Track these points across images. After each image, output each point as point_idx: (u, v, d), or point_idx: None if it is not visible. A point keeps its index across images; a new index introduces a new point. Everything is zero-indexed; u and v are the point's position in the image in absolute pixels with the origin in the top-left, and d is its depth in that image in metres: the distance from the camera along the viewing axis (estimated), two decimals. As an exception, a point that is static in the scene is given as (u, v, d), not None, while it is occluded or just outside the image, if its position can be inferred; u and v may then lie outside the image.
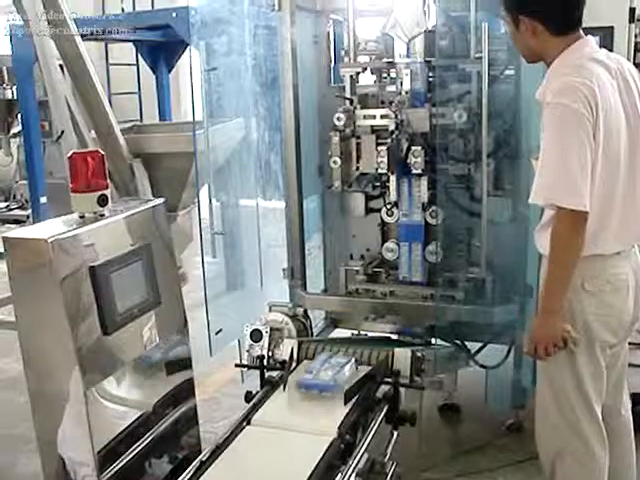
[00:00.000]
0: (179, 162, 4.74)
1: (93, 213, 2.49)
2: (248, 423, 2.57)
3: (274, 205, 3.92)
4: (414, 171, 3.33)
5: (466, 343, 3.46)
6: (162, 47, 8.31)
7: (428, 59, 3.32)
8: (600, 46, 2.50)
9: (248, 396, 2.77)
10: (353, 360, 2.81)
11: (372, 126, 3.46)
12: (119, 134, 4.78)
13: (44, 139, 7.27)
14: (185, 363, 2.93)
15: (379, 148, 3.38)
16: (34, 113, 7.16)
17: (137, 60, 9.11)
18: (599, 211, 2.23)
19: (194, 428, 2.99)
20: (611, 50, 2.72)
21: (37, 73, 6.07)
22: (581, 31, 2.32)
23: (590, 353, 2.37)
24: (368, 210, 3.74)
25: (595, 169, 2.19)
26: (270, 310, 3.47)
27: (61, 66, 4.65)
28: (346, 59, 3.55)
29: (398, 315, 3.63)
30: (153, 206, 2.78)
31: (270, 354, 3.21)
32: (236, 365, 3.20)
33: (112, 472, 2.44)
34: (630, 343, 2.69)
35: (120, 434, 2.52)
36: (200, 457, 2.36)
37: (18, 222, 8.63)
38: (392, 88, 3.54)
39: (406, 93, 3.36)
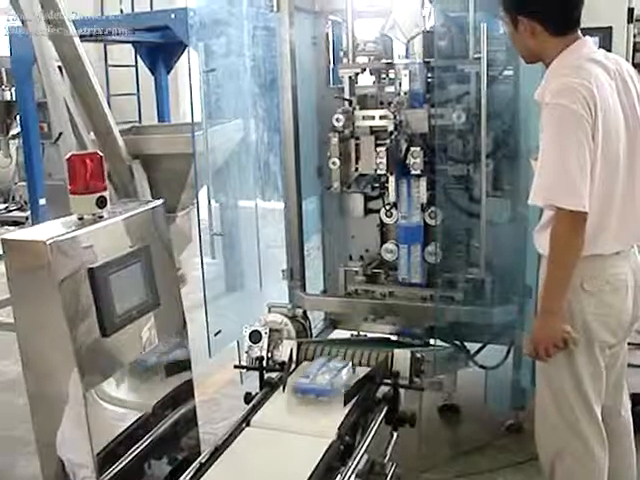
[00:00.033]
0: (178, 163, 4.73)
1: (92, 215, 2.49)
2: (247, 424, 2.57)
3: (273, 206, 3.92)
4: (413, 172, 3.33)
5: (465, 344, 3.45)
6: (161, 48, 8.30)
7: (427, 60, 3.32)
8: (599, 46, 2.50)
9: (247, 397, 2.77)
10: (350, 364, 2.79)
11: (371, 127, 3.46)
12: (118, 135, 4.77)
13: (43, 140, 7.27)
14: (184, 364, 2.93)
15: (378, 149, 3.38)
16: (33, 114, 7.16)
17: (136, 61, 9.10)
18: (598, 211, 2.23)
19: (193, 429, 2.99)
20: (610, 50, 2.71)
21: (36, 74, 6.07)
22: (579, 32, 2.32)
23: (589, 353, 2.37)
24: (367, 211, 3.74)
25: (594, 170, 2.19)
26: (269, 311, 3.47)
27: (60, 67, 4.64)
28: (345, 60, 3.55)
29: (397, 316, 3.63)
30: (152, 207, 2.78)
31: (269, 355, 3.21)
32: (235, 366, 3.20)
33: (111, 474, 2.45)
34: (629, 343, 2.69)
35: (119, 436, 2.52)
36: (199, 459, 2.36)
37: (17, 224, 8.62)
38: (391, 89, 3.54)
39: (405, 94, 3.35)
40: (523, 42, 2.37)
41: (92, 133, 4.76)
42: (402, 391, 2.79)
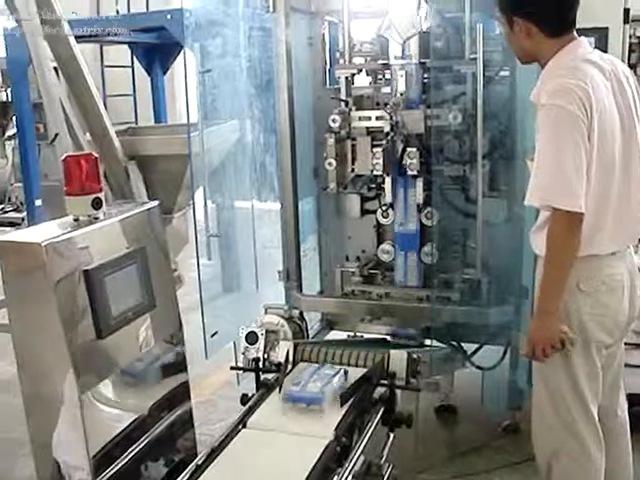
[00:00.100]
0: (174, 164, 4.72)
1: (87, 216, 2.48)
2: (244, 426, 2.56)
3: (269, 207, 3.92)
4: (409, 173, 3.33)
5: (462, 344, 3.45)
6: (157, 49, 8.30)
7: (423, 60, 3.32)
8: (595, 47, 2.50)
9: (244, 399, 2.76)
10: (342, 371, 2.76)
11: (367, 128, 3.46)
12: (114, 136, 4.76)
13: (39, 141, 7.25)
14: (180, 366, 2.92)
15: (374, 150, 3.38)
16: (29, 115, 7.15)
17: (132, 62, 9.09)
18: (594, 212, 2.24)
19: (190, 431, 2.99)
20: (605, 51, 2.72)
21: (31, 75, 6.05)
22: (575, 32, 2.32)
23: (586, 354, 2.37)
24: (363, 212, 3.74)
25: (590, 170, 2.20)
26: (265, 312, 3.47)
27: (55, 68, 4.63)
28: (341, 61, 3.55)
29: (394, 317, 3.63)
30: (148, 209, 2.78)
31: (266, 356, 3.20)
32: (231, 368, 3.19)
33: (107, 476, 2.44)
34: (626, 343, 2.69)
35: (115, 437, 2.52)
36: (196, 460, 2.35)
37: (13, 225, 8.60)
38: (387, 90, 3.54)
39: (401, 95, 3.35)
40: (519, 43, 2.37)
41: (88, 134, 4.75)
42: (399, 392, 2.79)
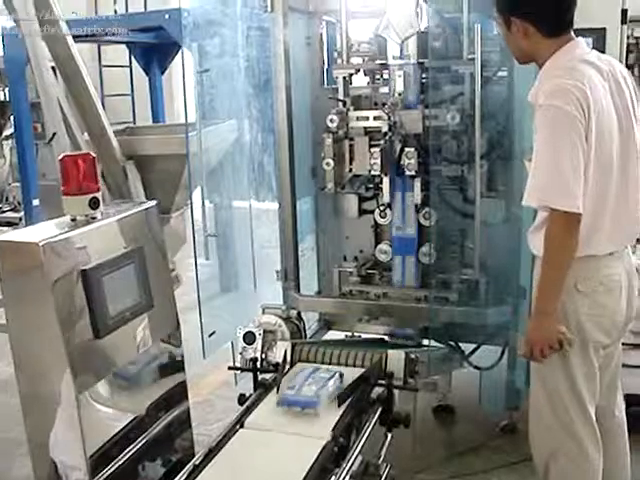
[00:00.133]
0: (172, 164, 4.72)
1: (85, 216, 2.48)
2: (241, 426, 2.56)
3: (267, 206, 3.92)
4: (407, 173, 3.33)
5: (460, 344, 3.45)
6: (155, 49, 8.29)
7: (421, 60, 3.32)
8: (593, 47, 2.50)
9: (241, 399, 2.76)
10: (337, 374, 2.74)
11: (365, 128, 3.46)
12: (112, 136, 4.76)
13: (37, 141, 7.24)
14: (178, 366, 2.92)
15: (372, 150, 3.38)
16: (26, 115, 7.13)
17: (130, 62, 9.09)
18: (592, 212, 2.24)
19: (187, 431, 2.98)
20: (603, 52, 2.72)
21: (29, 74, 6.05)
22: (572, 33, 2.33)
23: (583, 354, 2.37)
24: (361, 212, 3.74)
25: (587, 171, 2.20)
26: (263, 312, 3.47)
27: (53, 68, 4.63)
28: (339, 61, 3.55)
29: (392, 317, 3.62)
30: (145, 209, 2.77)
31: (263, 356, 3.20)
32: (229, 368, 3.19)
33: (104, 476, 2.43)
34: (624, 344, 2.69)
35: (113, 437, 2.52)
36: (193, 460, 2.35)
37: (11, 224, 8.59)
38: (385, 90, 3.54)
39: (399, 95, 3.35)
40: (516, 43, 2.37)
41: (86, 134, 4.75)
42: (396, 392, 2.79)
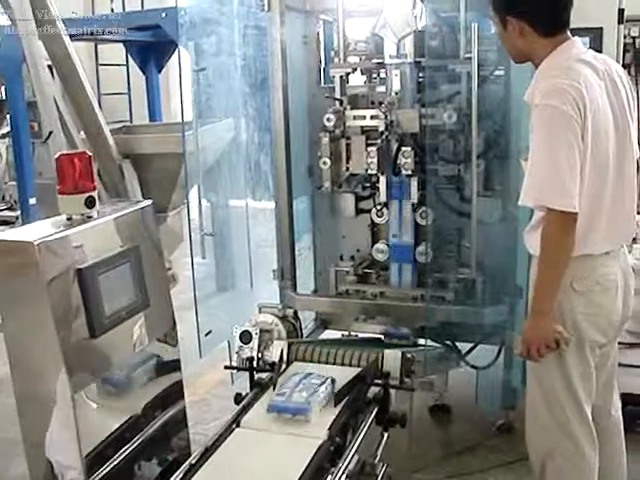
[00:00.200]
0: (169, 163, 4.71)
1: (80, 215, 2.47)
2: (237, 425, 2.55)
3: (264, 205, 3.91)
4: (404, 172, 3.33)
5: (456, 344, 3.45)
6: (152, 47, 8.28)
7: (418, 59, 3.32)
8: (589, 47, 2.50)
9: (238, 398, 2.76)
10: (329, 380, 2.70)
11: (362, 127, 3.46)
12: (108, 135, 4.75)
13: (33, 140, 7.23)
14: (174, 365, 2.91)
15: (369, 149, 3.38)
16: (23, 113, 7.12)
17: (127, 60, 9.08)
18: (588, 212, 2.24)
19: (183, 430, 2.98)
20: (600, 51, 2.72)
21: (26, 73, 6.03)
22: (568, 32, 2.32)
23: (580, 353, 2.38)
24: (358, 211, 3.74)
25: (584, 170, 2.20)
26: (260, 311, 3.46)
27: (50, 67, 4.62)
28: (336, 60, 3.54)
29: (388, 316, 3.62)
30: (141, 208, 2.76)
31: (260, 356, 3.19)
32: (225, 367, 3.18)
33: (100, 475, 2.43)
34: (620, 343, 2.70)
35: (108, 437, 2.51)
36: (190, 460, 2.34)
37: (7, 223, 8.58)
38: (382, 89, 3.53)
39: (396, 94, 3.35)
40: (512, 42, 2.37)
41: (82, 132, 4.74)
42: (393, 391, 2.79)
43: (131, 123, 8.05)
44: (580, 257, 2.27)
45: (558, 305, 2.31)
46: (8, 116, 7.90)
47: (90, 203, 2.48)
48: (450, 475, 3.29)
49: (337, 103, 3.45)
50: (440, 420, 3.81)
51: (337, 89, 3.48)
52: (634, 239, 2.84)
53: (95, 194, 2.51)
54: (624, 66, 2.53)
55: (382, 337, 3.57)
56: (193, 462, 2.33)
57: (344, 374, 2.78)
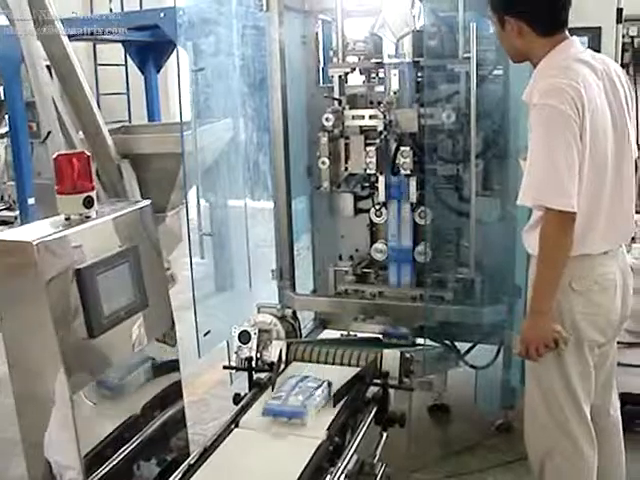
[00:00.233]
0: (168, 163, 4.71)
1: (79, 215, 2.47)
2: (236, 425, 2.55)
3: (262, 205, 3.91)
4: (403, 171, 3.33)
5: (455, 343, 3.45)
6: (151, 47, 8.27)
7: (416, 59, 3.32)
8: (588, 46, 2.51)
9: (236, 398, 2.75)
10: (325, 383, 2.67)
11: (361, 126, 3.45)
12: (107, 135, 4.75)
13: (32, 140, 7.22)
14: (173, 365, 2.91)
15: (368, 148, 3.38)
16: (22, 113, 7.11)
17: (125, 60, 9.08)
18: (587, 211, 2.24)
19: (182, 430, 2.98)
20: (599, 51, 2.72)
21: (24, 73, 6.03)
22: (567, 32, 2.32)
23: (578, 353, 2.38)
24: (357, 210, 3.74)
25: (582, 170, 2.20)
26: (258, 311, 3.46)
27: (48, 67, 4.62)
28: (335, 59, 3.54)
29: (387, 316, 3.62)
30: (140, 208, 2.76)
31: (258, 356, 3.20)
32: (224, 367, 3.18)
33: (99, 476, 2.43)
34: (619, 342, 2.70)
35: (107, 437, 2.50)
36: (188, 460, 2.34)
37: (6, 223, 8.58)
38: (381, 88, 3.54)
39: (394, 93, 3.35)
40: (510, 42, 2.37)
41: (81, 132, 4.74)
42: (392, 391, 2.79)
43: (130, 123, 8.04)
44: (579, 257, 2.27)
45: (557, 305, 2.31)
46: (7, 116, 7.90)
47: (88, 203, 2.47)
48: (449, 475, 3.29)
49: (336, 103, 3.46)
50: (439, 420, 3.81)
51: (336, 89, 3.48)
52: (633, 238, 2.85)
53: (93, 194, 2.51)
54: (623, 65, 2.53)
55: (381, 337, 3.56)
56: (192, 462, 2.32)
57: (343, 374, 2.78)
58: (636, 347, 3.86)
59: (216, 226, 3.89)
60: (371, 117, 3.41)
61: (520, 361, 2.84)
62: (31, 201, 7.02)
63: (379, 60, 3.40)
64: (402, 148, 3.30)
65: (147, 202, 2.81)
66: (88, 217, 2.49)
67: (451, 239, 3.49)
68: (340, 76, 3.47)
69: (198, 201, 3.63)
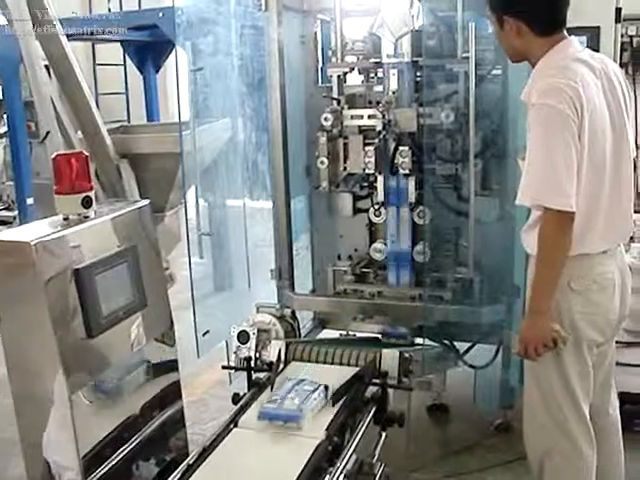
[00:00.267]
0: (167, 162, 4.72)
1: (77, 215, 2.47)
2: (235, 425, 2.55)
3: (261, 205, 3.91)
4: (401, 171, 3.33)
5: (454, 343, 3.45)
6: (149, 47, 8.27)
7: (415, 59, 3.31)
8: (587, 46, 2.51)
9: (235, 398, 2.76)
10: (322, 387, 2.65)
11: (359, 126, 3.45)
12: (106, 135, 4.75)
13: (30, 140, 7.21)
14: (171, 365, 2.91)
15: (366, 148, 3.38)
16: (20, 113, 7.10)
17: (124, 60, 9.07)
18: (585, 211, 2.24)
19: (181, 430, 2.98)
20: (597, 50, 2.72)
21: (23, 73, 6.03)
22: (565, 31, 2.32)
23: (577, 352, 2.38)
24: (356, 210, 3.73)
25: (581, 169, 2.20)
26: (257, 311, 3.46)
27: (47, 66, 4.62)
28: (333, 59, 3.54)
29: (386, 315, 3.62)
30: (139, 207, 2.76)
31: (257, 355, 3.19)
32: (223, 367, 3.19)
33: (97, 476, 2.43)
34: (617, 342, 2.70)
35: (106, 437, 2.50)
36: (187, 460, 2.34)
37: (5, 223, 8.57)
38: (379, 88, 3.53)
39: (393, 93, 3.35)
40: (509, 41, 2.37)
41: (79, 132, 4.74)
42: (391, 391, 2.79)
43: (129, 123, 8.04)
44: (577, 256, 2.27)
45: (555, 304, 2.31)
46: (5, 116, 7.89)
47: (87, 203, 2.48)
48: (448, 474, 3.29)
49: (335, 103, 3.45)
50: (438, 419, 3.81)
51: (335, 89, 3.47)
52: (631, 238, 2.85)
53: (92, 194, 2.51)
54: (621, 65, 2.53)
55: (380, 337, 3.57)
56: (191, 462, 2.32)
57: (342, 374, 2.78)
58: (635, 346, 3.86)
59: (215, 226, 3.89)
60: (370, 117, 3.41)
61: (519, 361, 2.84)
62: (30, 201, 7.01)
63: (378, 60, 3.40)
64: (401, 148, 3.30)
65: (146, 202, 2.81)
66: (87, 217, 2.49)
67: (450, 239, 3.49)
68: (339, 76, 3.47)
69: (197, 201, 3.63)
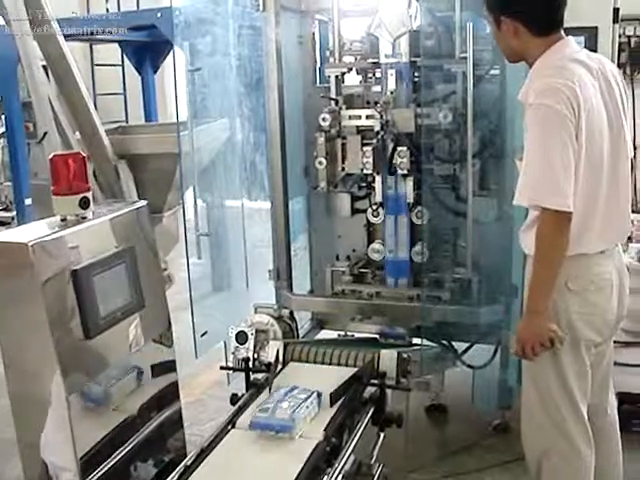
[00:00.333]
0: (165, 163, 4.71)
1: (75, 216, 2.47)
2: (233, 426, 2.55)
3: (259, 206, 3.91)
4: (400, 171, 3.33)
5: (453, 343, 3.45)
6: (147, 47, 8.27)
7: (413, 59, 3.32)
8: (585, 46, 2.50)
9: (233, 399, 2.76)
10: (315, 394, 2.60)
11: (357, 126, 3.46)
12: (104, 135, 4.75)
13: (28, 140, 7.21)
14: (170, 366, 2.91)
15: (364, 148, 3.38)
16: (18, 114, 7.10)
17: (122, 60, 9.07)
18: (583, 211, 2.24)
19: (179, 431, 2.98)
20: (595, 50, 2.72)
21: (20, 74, 6.02)
22: (562, 32, 2.32)
23: (575, 352, 2.38)
24: (354, 211, 3.74)
25: (578, 170, 2.20)
26: (255, 312, 3.46)
27: (45, 67, 4.61)
28: (331, 59, 3.54)
29: (384, 316, 3.62)
30: (137, 208, 2.77)
31: (255, 356, 3.20)
32: (221, 367, 3.18)
33: (95, 477, 2.43)
34: (615, 342, 2.70)
35: (104, 438, 2.51)
36: (185, 461, 2.34)
37: (3, 224, 8.56)
38: (377, 88, 3.54)
39: (391, 93, 3.35)
40: (506, 42, 2.37)
41: (77, 133, 4.74)
42: (389, 391, 2.79)
43: (126, 123, 8.03)
44: (575, 256, 2.27)
45: (553, 304, 2.31)
46: (3, 116, 7.88)
47: (84, 204, 2.47)
48: (446, 475, 3.29)
49: (332, 103, 3.45)
50: (436, 420, 3.81)
51: (332, 89, 3.48)
52: (629, 238, 2.85)
53: (89, 195, 2.51)
54: (619, 65, 2.53)
55: (378, 337, 3.57)
56: (189, 463, 2.33)
57: (340, 374, 2.79)
58: (633, 346, 3.86)
59: (213, 226, 3.88)
60: (368, 117, 3.41)
61: (517, 361, 2.84)
62: (28, 202, 7.00)
63: (376, 60, 3.40)
64: (399, 148, 3.30)
65: (144, 202, 2.82)
66: (84, 218, 2.49)
67: (448, 239, 3.49)
68: (337, 76, 3.47)
69: (195, 201, 3.62)
